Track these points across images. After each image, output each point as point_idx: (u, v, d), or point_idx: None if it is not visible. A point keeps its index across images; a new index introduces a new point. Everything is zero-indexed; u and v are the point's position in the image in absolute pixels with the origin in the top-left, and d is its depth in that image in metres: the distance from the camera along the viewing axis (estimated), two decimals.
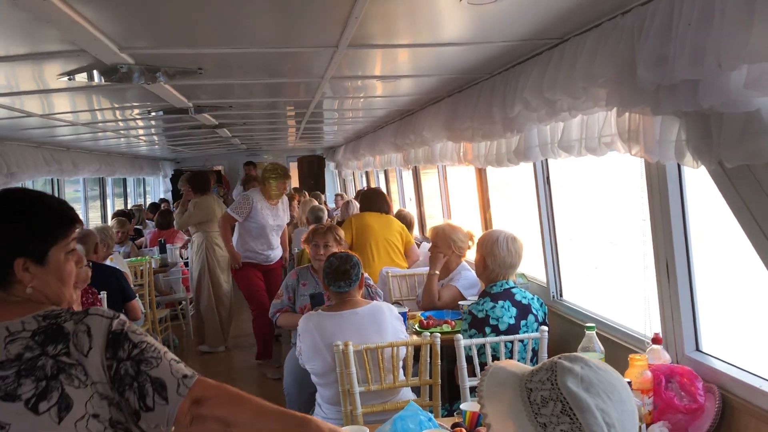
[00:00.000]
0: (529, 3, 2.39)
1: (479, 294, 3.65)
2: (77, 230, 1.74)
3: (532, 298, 3.53)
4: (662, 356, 2.59)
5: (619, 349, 2.99)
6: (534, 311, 3.49)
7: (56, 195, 7.80)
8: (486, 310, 3.42)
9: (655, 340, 2.63)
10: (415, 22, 2.67)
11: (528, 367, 1.46)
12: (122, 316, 1.67)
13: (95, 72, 3.02)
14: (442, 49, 3.17)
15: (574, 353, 1.42)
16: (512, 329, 3.37)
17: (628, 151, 2.56)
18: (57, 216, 1.70)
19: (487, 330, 3.36)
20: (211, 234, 7.06)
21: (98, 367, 1.58)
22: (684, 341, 2.69)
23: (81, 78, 3.13)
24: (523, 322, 3.43)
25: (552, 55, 2.86)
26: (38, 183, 7.60)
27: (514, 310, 3.43)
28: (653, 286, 2.84)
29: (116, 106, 4.75)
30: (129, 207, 11.42)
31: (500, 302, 3.44)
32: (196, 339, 7.52)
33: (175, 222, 7.63)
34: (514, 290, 3.52)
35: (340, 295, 3.46)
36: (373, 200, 6.21)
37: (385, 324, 3.40)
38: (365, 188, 6.70)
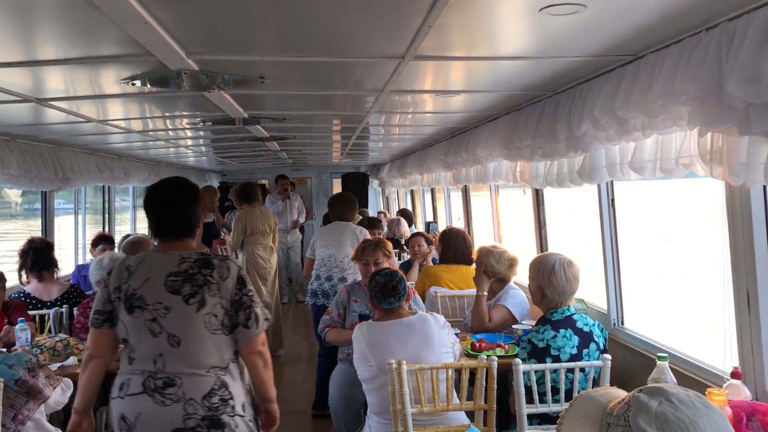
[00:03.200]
0: (609, 17, 2.30)
1: (538, 320, 3.49)
2: None
3: (594, 325, 3.37)
4: (742, 392, 2.43)
5: (690, 382, 2.84)
6: (596, 339, 3.32)
7: (107, 203, 7.95)
8: (547, 340, 3.26)
9: (735, 374, 2.47)
10: (485, 33, 2.59)
11: (618, 396, 1.34)
12: (244, 271, 2.75)
13: (158, 77, 3.01)
14: (505, 63, 3.09)
15: (660, 385, 1.29)
16: (574, 360, 3.20)
17: (709, 173, 2.44)
18: None
19: (548, 361, 3.19)
20: (254, 246, 7.06)
21: (229, 290, 2.64)
22: (766, 377, 2.53)
23: (144, 83, 3.13)
24: (585, 351, 3.26)
25: (625, 72, 2.76)
26: (89, 189, 7.71)
27: (576, 339, 3.26)
28: (730, 316, 2.69)
29: (167, 114, 4.78)
30: None
31: (561, 331, 3.27)
32: None
33: (228, 246, 7.63)
34: (575, 317, 3.35)
35: (389, 309, 3.48)
36: (453, 245, 5.26)
37: (432, 336, 3.37)
38: (447, 228, 5.78)
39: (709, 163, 2.39)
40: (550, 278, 3.37)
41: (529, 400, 3.10)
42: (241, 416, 2.63)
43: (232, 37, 2.53)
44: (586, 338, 3.30)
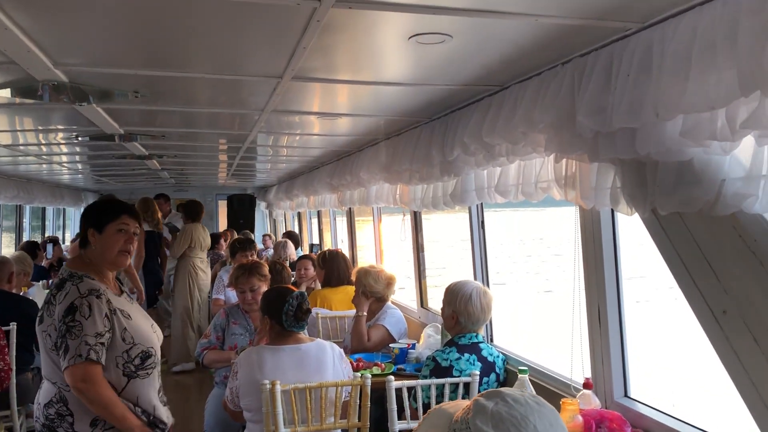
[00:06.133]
0: (475, 49, 2.44)
1: (446, 342, 3.55)
2: (129, 217, 2.74)
3: (497, 356, 3.47)
4: (593, 401, 2.61)
5: (550, 394, 3.00)
6: (497, 370, 3.43)
7: None
8: (451, 360, 3.33)
9: (586, 385, 2.66)
10: (360, 58, 2.68)
11: (465, 405, 1.42)
12: (90, 299, 2.56)
13: (24, 87, 2.88)
14: (383, 89, 3.19)
15: (499, 389, 1.39)
16: (473, 386, 3.22)
17: (564, 196, 2.62)
18: (111, 207, 2.77)
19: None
20: (194, 259, 7.79)
21: (58, 314, 2.55)
22: (614, 387, 2.72)
23: (5, 93, 2.98)
24: (485, 380, 3.34)
25: (492, 101, 2.93)
26: None
27: (479, 365, 3.34)
28: (582, 331, 2.88)
29: (40, 128, 4.54)
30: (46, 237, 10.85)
31: (466, 355, 3.36)
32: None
33: (170, 251, 8.13)
34: (482, 345, 3.44)
35: (288, 333, 3.33)
36: (336, 267, 5.34)
37: (327, 364, 3.29)
38: (326, 251, 5.79)
39: (564, 187, 2.57)
40: (466, 306, 3.42)
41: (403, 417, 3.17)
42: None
43: (103, 48, 2.47)
44: (488, 367, 3.39)
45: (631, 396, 2.74)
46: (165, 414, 2.76)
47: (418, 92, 3.22)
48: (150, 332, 2.76)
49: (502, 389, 1.36)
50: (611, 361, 2.73)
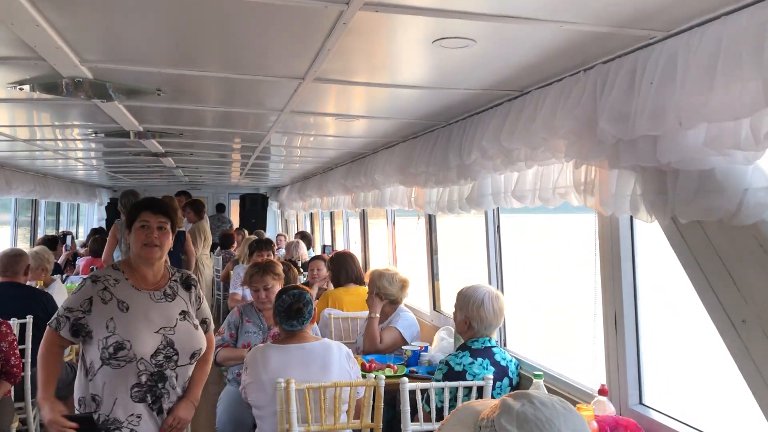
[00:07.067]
0: (497, 54, 2.45)
1: (458, 347, 3.55)
2: (148, 213, 2.90)
3: (510, 361, 3.46)
4: (607, 408, 2.61)
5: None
6: (510, 374, 3.42)
7: None
8: (464, 365, 3.33)
9: (602, 391, 2.66)
10: (383, 61, 2.70)
11: (493, 404, 1.44)
12: (87, 281, 2.87)
13: (49, 83, 2.92)
14: (403, 92, 3.20)
15: (528, 391, 1.40)
16: (486, 389, 3.22)
17: (582, 202, 2.62)
18: (134, 207, 2.97)
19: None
20: (201, 255, 7.94)
21: None
22: (629, 394, 2.72)
23: (27, 88, 3.02)
24: (498, 384, 3.34)
25: (512, 106, 2.94)
26: None
27: (492, 370, 3.33)
28: (600, 338, 2.88)
29: (58, 123, 4.59)
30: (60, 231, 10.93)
31: (479, 359, 3.35)
32: None
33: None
34: (495, 350, 3.43)
35: (291, 332, 3.38)
36: (344, 267, 5.33)
37: (332, 363, 3.30)
38: (334, 253, 5.89)
39: (583, 193, 2.57)
40: (479, 311, 3.41)
41: (415, 419, 3.18)
42: (76, 408, 2.88)
43: (129, 46, 2.49)
44: (501, 372, 3.38)
45: (646, 403, 2.74)
46: (127, 410, 2.81)
47: (437, 96, 3.23)
48: (143, 330, 2.82)
49: (531, 391, 1.36)
50: (627, 368, 2.73)
